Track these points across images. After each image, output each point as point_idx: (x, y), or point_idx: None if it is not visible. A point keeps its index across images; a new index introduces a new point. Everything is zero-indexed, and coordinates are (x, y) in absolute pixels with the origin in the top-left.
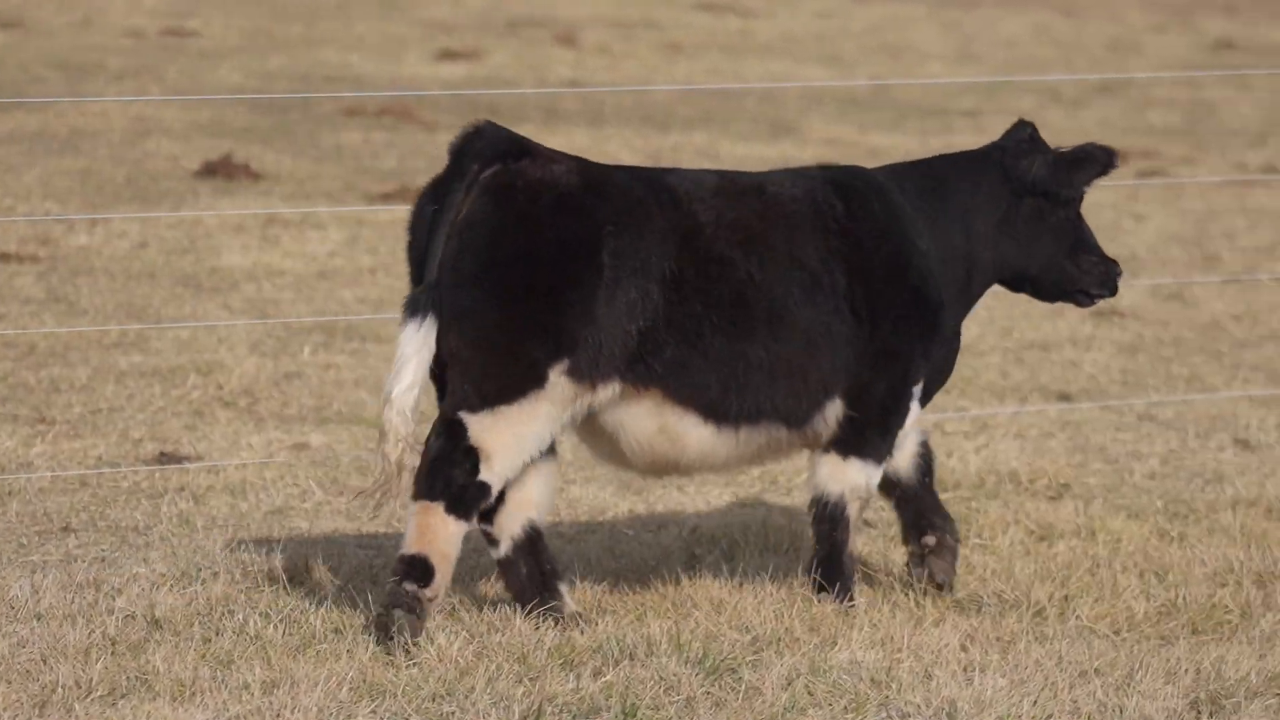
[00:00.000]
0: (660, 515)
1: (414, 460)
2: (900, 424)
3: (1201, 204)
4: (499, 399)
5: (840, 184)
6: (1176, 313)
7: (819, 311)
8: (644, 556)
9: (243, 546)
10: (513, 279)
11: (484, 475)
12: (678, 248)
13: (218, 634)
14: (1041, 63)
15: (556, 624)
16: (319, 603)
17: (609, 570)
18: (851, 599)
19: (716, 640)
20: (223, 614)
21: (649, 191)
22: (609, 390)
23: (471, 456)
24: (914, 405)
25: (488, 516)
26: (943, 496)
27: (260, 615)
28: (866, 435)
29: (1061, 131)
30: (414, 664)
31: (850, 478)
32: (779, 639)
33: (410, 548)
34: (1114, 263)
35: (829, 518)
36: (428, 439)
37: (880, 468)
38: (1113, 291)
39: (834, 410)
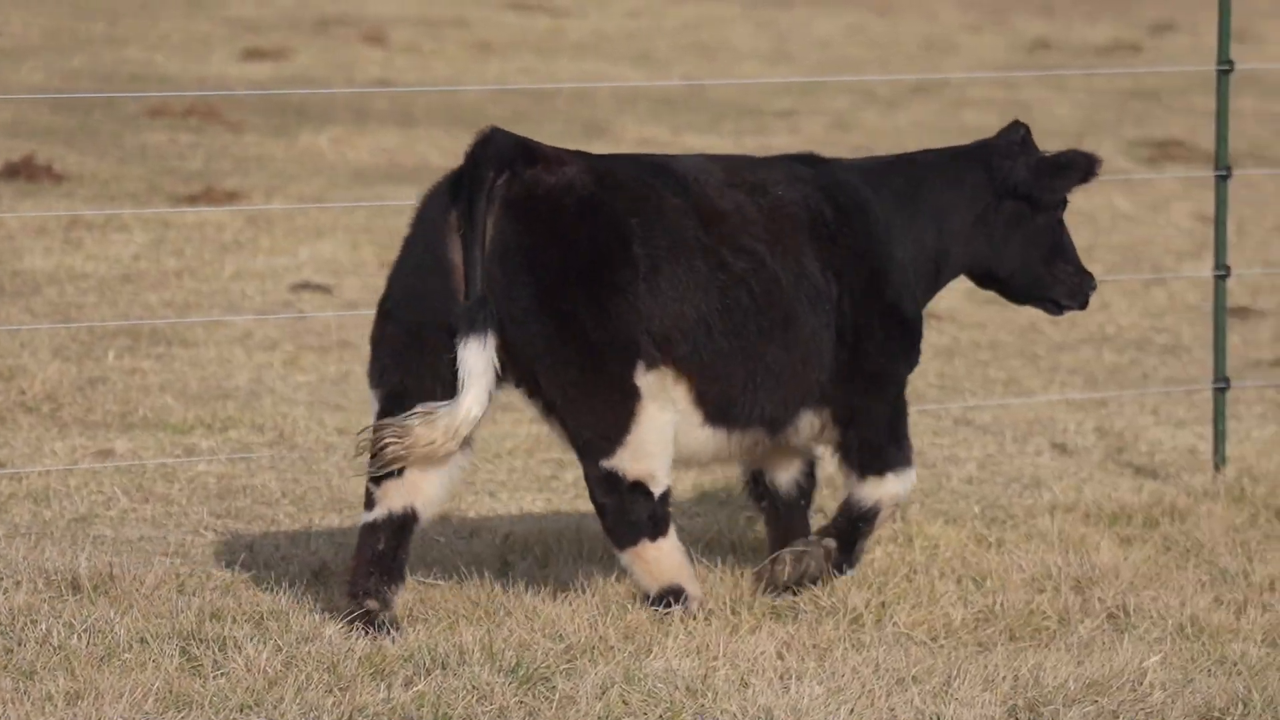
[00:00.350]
0: (473, 522)
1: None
2: (907, 424)
3: None
4: (619, 430)
5: (828, 190)
6: (994, 315)
7: (819, 320)
8: (456, 564)
9: (46, 555)
10: (565, 303)
11: (658, 491)
12: (701, 230)
13: (20, 644)
14: (856, 63)
15: (369, 620)
16: (124, 612)
17: (421, 578)
18: (847, 566)
19: (530, 649)
20: (25, 624)
21: (653, 174)
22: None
23: (639, 489)
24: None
25: (379, 479)
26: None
27: (64, 625)
28: (887, 452)
29: (876, 132)
30: (221, 674)
31: (889, 489)
32: (593, 647)
33: (651, 587)
34: (1089, 275)
35: (862, 515)
36: (594, 498)
37: (911, 469)
38: (1082, 305)
39: (806, 421)
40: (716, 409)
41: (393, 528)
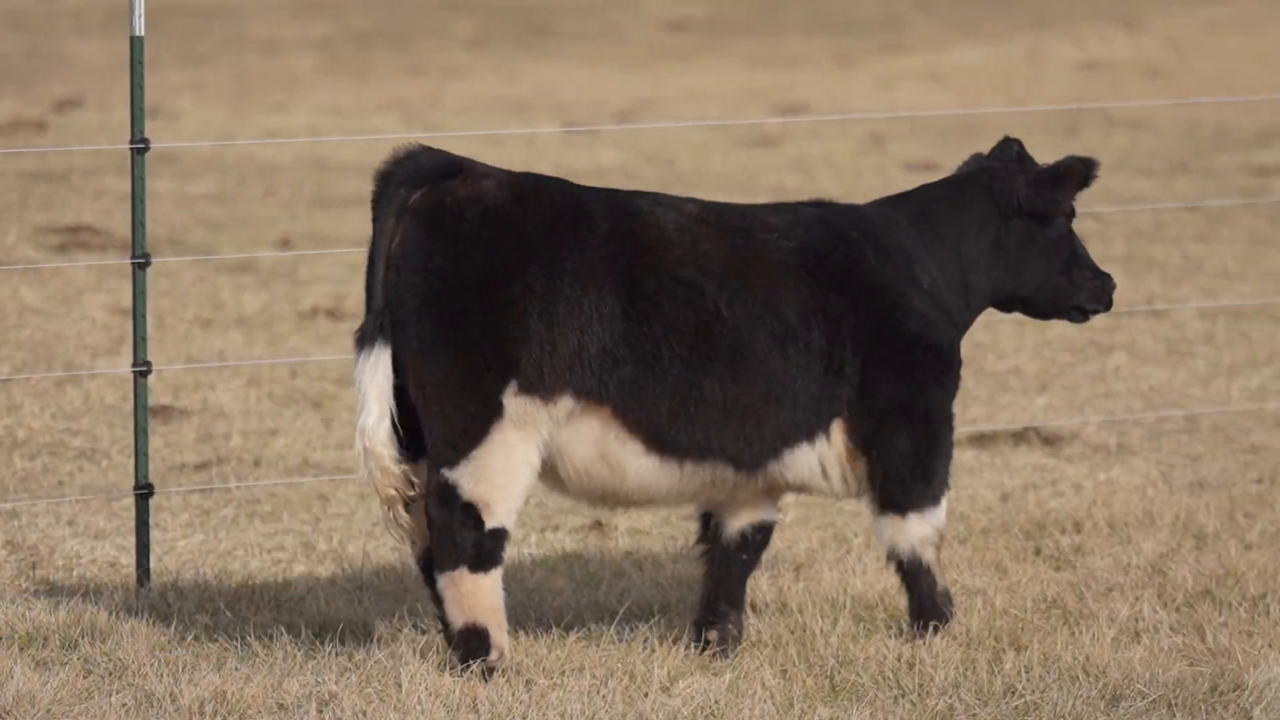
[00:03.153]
0: None
1: (404, 489)
2: (945, 459)
3: None
4: (467, 443)
5: (835, 231)
6: None
7: (788, 361)
8: None
9: None
10: (449, 308)
11: (491, 524)
12: (632, 259)
13: None
14: None
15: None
16: None
17: None
18: (946, 623)
19: None
20: None
21: (599, 200)
22: (565, 404)
23: (471, 512)
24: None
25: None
26: None
27: None
28: (911, 488)
29: None
30: None
31: (914, 531)
32: None
33: (457, 621)
34: (1108, 276)
35: (909, 572)
36: (429, 509)
37: (940, 505)
38: (1107, 306)
39: (802, 461)
40: (652, 438)
41: None
